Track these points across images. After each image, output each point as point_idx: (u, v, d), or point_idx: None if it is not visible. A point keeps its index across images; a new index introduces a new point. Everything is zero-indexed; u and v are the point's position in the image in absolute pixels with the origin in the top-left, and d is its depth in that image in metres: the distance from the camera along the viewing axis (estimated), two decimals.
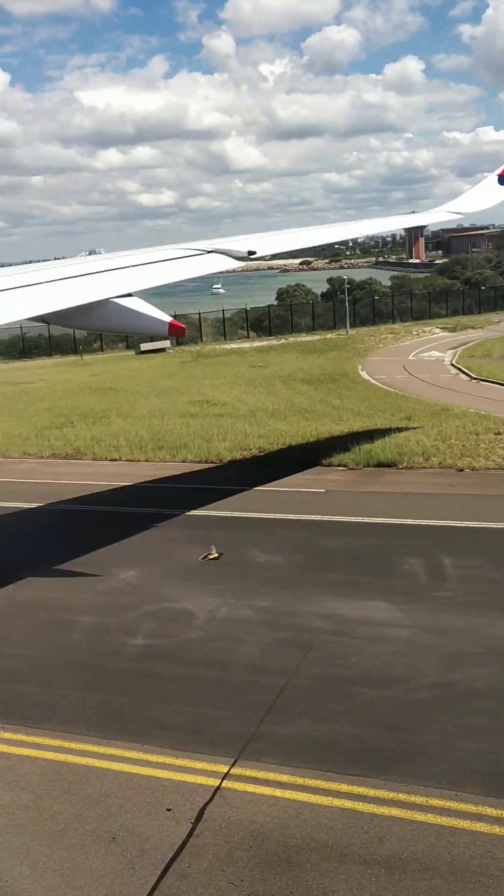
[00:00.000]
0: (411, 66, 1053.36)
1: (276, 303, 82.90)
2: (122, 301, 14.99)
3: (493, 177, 20.76)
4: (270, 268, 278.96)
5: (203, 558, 15.06)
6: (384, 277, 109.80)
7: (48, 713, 9.99)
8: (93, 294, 14.27)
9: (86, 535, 17.06)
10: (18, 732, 9.59)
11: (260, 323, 69.02)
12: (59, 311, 13.92)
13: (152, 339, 57.89)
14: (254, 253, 16.76)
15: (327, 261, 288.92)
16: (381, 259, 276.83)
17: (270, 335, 65.32)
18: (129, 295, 15.27)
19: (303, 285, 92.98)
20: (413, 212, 28.17)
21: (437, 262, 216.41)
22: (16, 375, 49.62)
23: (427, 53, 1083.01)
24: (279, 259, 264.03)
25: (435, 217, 22.53)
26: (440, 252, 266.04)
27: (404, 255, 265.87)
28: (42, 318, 14.81)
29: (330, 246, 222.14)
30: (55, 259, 20.43)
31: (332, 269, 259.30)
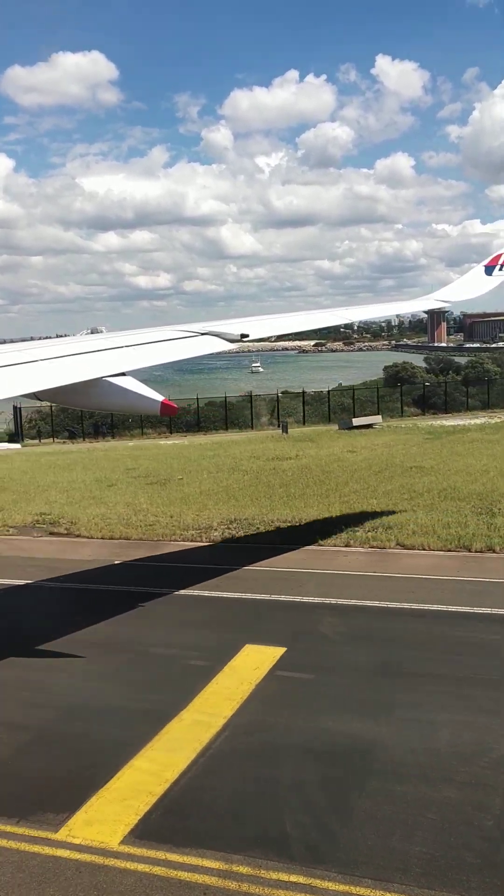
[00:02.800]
0: (401, 161, 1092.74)
1: (375, 378, 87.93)
2: (115, 380, 15.13)
3: (480, 267, 21.19)
4: (286, 349, 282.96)
5: None
6: (417, 360, 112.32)
7: None
8: (86, 373, 14.48)
9: None
10: None
11: (426, 399, 69.85)
12: (52, 389, 14.44)
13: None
14: (246, 336, 17.12)
15: (341, 342, 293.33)
16: (397, 343, 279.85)
17: (446, 412, 65.63)
18: (123, 374, 15.71)
19: (409, 363, 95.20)
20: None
21: (465, 345, 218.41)
22: (237, 450, 43.10)
23: (417, 150, 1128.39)
24: (286, 340, 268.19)
25: (424, 304, 23.13)
26: (461, 336, 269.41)
27: (425, 339, 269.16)
28: (35, 395, 15.26)
29: (335, 329, 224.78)
30: (57, 336, 21.09)
31: (351, 350, 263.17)
